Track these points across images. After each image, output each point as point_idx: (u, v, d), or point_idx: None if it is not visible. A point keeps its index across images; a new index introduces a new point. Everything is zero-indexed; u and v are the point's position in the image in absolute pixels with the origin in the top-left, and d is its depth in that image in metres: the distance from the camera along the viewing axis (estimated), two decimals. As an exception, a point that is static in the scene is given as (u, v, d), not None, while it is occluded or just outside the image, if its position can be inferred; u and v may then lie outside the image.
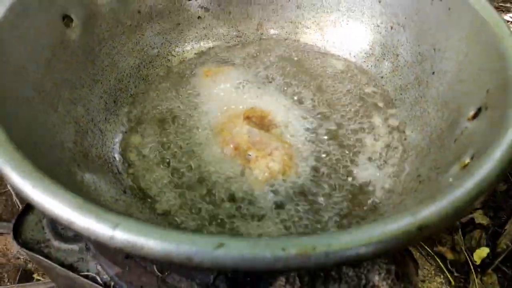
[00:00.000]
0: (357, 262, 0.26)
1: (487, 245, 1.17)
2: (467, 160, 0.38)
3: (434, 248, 1.16)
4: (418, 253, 1.15)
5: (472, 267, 1.12)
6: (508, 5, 2.21)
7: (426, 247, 1.15)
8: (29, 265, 1.01)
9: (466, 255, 1.15)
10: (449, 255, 1.15)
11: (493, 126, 0.37)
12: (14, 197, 1.19)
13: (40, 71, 0.45)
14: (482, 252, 1.15)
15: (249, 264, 0.24)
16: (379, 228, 0.26)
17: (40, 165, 0.30)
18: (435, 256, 1.14)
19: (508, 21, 2.15)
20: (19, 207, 1.18)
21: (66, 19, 0.51)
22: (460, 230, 1.20)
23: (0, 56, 0.39)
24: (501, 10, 2.19)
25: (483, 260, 1.14)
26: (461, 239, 1.18)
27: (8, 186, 1.21)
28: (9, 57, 0.40)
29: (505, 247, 1.15)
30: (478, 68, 0.45)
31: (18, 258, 1.01)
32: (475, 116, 0.43)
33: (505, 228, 1.19)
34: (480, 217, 1.25)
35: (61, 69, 0.49)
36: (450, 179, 0.35)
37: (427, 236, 0.27)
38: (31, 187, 0.27)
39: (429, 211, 0.27)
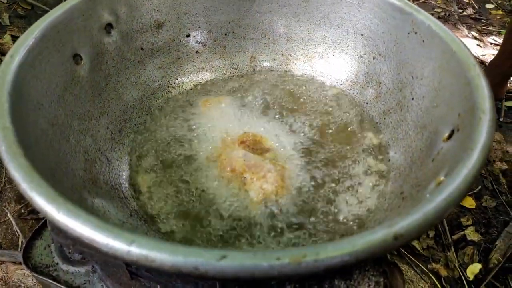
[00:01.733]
0: (343, 268, 0.30)
1: (479, 261, 1.20)
2: (442, 177, 0.42)
3: (428, 266, 1.18)
4: (412, 271, 1.17)
5: (465, 283, 1.14)
6: (491, 28, 2.32)
7: (420, 264, 1.18)
8: (30, 293, 1.02)
9: (460, 271, 1.17)
10: (443, 272, 1.18)
11: (462, 146, 0.41)
12: (14, 226, 1.21)
13: (53, 105, 0.50)
14: (474, 268, 1.18)
15: (249, 272, 0.28)
16: (360, 239, 0.30)
17: (57, 190, 0.34)
18: (429, 274, 1.17)
19: (491, 43, 2.25)
20: (19, 235, 1.20)
21: (76, 58, 0.56)
22: (452, 247, 1.23)
23: (22, 94, 0.43)
24: (484, 33, 2.30)
25: (476, 276, 1.16)
26: (454, 256, 1.21)
27: (9, 215, 1.23)
28: (29, 94, 0.45)
29: (496, 262, 1.18)
30: (450, 94, 0.51)
31: (19, 286, 1.02)
32: (449, 137, 0.48)
33: (496, 243, 1.23)
34: (471, 234, 1.29)
35: (71, 103, 0.54)
36: (427, 195, 0.39)
37: (403, 244, 0.31)
38: (56, 211, 0.31)
39: (404, 223, 0.31)
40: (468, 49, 0.50)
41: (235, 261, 0.28)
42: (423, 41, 0.57)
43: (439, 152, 0.48)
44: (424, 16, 0.56)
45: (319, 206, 0.53)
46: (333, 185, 0.56)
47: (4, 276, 1.01)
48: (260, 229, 0.50)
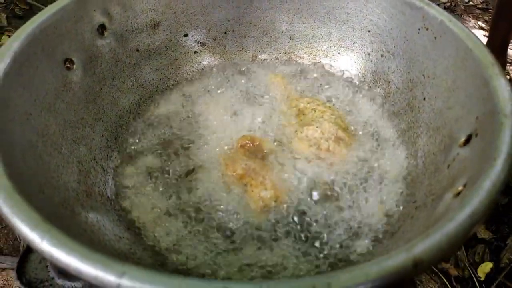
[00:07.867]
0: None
1: (490, 260, 1.17)
2: (460, 187, 0.39)
3: (438, 265, 1.15)
4: (422, 271, 1.14)
5: (476, 283, 1.11)
6: None
7: (430, 264, 1.15)
8: (32, 300, 1.00)
9: (470, 270, 1.14)
10: (453, 272, 1.15)
11: (483, 154, 0.38)
12: (16, 230, 1.19)
13: (44, 115, 0.47)
14: (486, 267, 1.15)
15: (252, 307, 0.25)
16: (375, 266, 0.27)
17: (46, 208, 0.31)
18: (439, 273, 1.14)
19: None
20: (20, 240, 1.18)
21: (68, 63, 0.53)
22: (463, 246, 1.20)
23: (7, 105, 0.40)
24: (490, 23, 2.24)
25: (487, 275, 1.13)
26: (464, 255, 1.17)
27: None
28: (16, 104, 0.42)
29: (508, 261, 1.14)
30: (465, 95, 0.47)
31: (21, 293, 1.00)
32: (466, 142, 0.44)
33: (507, 242, 1.19)
34: (482, 232, 1.25)
35: (63, 111, 0.51)
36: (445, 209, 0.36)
37: (423, 271, 0.28)
38: (39, 239, 0.28)
39: (423, 245, 0.28)
40: (485, 47, 0.47)
41: (237, 294, 0.25)
42: (435, 37, 0.53)
43: (454, 158, 0.45)
44: (436, 11, 0.53)
45: (326, 212, 0.50)
46: (342, 190, 0.53)
47: (5, 284, 1.00)
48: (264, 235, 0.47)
